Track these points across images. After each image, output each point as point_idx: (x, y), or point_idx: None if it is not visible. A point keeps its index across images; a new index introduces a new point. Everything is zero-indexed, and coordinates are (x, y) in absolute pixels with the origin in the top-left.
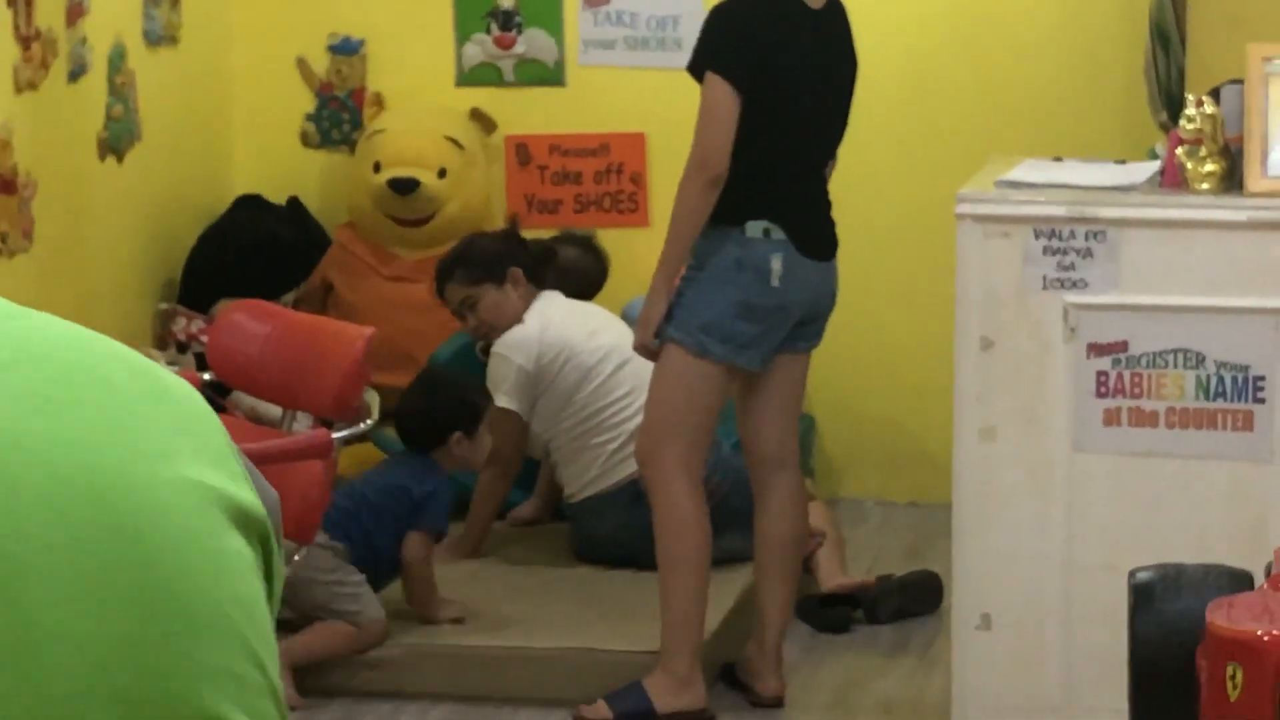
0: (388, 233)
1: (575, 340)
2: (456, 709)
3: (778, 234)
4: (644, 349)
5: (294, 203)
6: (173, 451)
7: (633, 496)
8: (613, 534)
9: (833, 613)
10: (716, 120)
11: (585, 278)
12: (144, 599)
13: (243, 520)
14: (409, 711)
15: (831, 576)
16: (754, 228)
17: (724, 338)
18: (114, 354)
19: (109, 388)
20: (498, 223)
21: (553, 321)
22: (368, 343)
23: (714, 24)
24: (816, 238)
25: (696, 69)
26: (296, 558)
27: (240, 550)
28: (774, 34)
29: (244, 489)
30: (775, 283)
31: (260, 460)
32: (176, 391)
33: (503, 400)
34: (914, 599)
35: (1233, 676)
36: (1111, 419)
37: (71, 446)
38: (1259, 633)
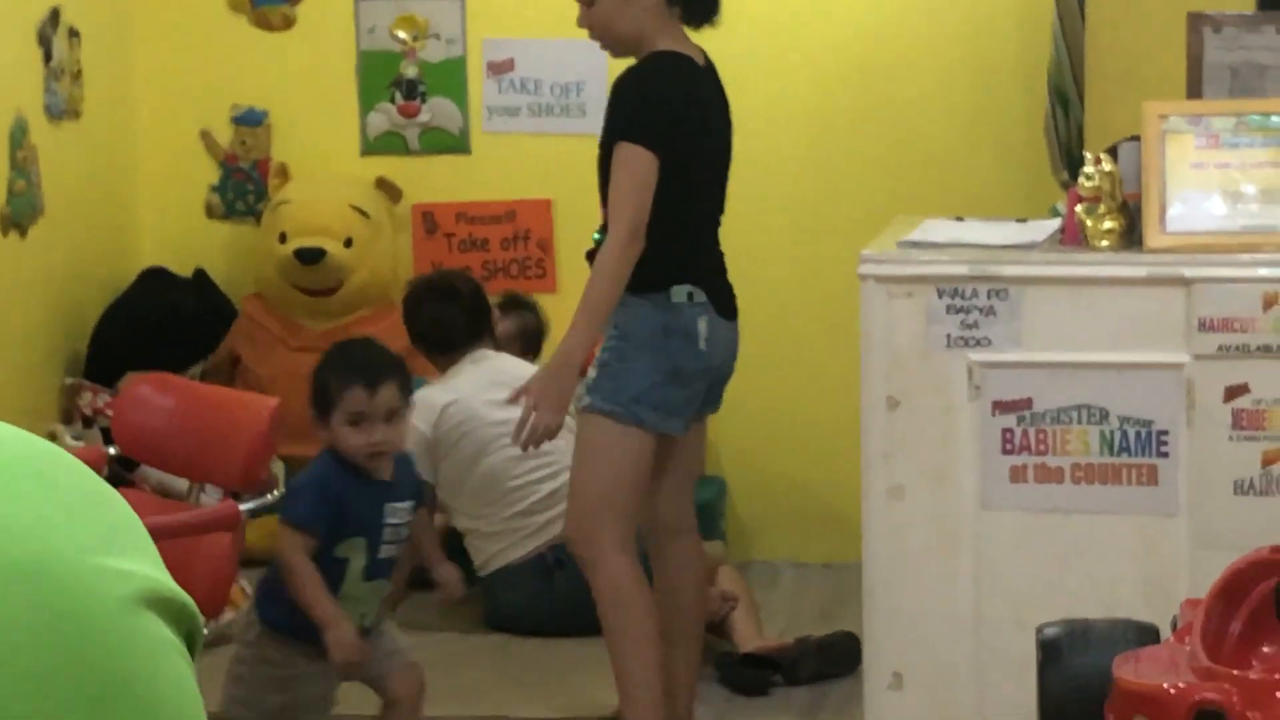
0: (295, 303)
1: (479, 413)
2: None
3: (700, 296)
4: (547, 430)
5: (200, 274)
6: (106, 543)
7: (541, 569)
8: (525, 604)
9: (751, 674)
10: (639, 188)
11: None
12: (84, 678)
13: (171, 610)
14: None
15: (749, 639)
16: (679, 292)
17: (654, 405)
18: (51, 452)
19: (46, 482)
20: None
21: (462, 394)
22: (274, 413)
23: (624, 93)
24: (728, 297)
25: (610, 140)
26: (206, 631)
27: (168, 638)
28: (682, 94)
29: (172, 582)
30: (703, 346)
31: (168, 534)
32: (108, 491)
33: None
34: (832, 660)
35: None
36: (1018, 476)
37: (9, 534)
38: (1165, 685)
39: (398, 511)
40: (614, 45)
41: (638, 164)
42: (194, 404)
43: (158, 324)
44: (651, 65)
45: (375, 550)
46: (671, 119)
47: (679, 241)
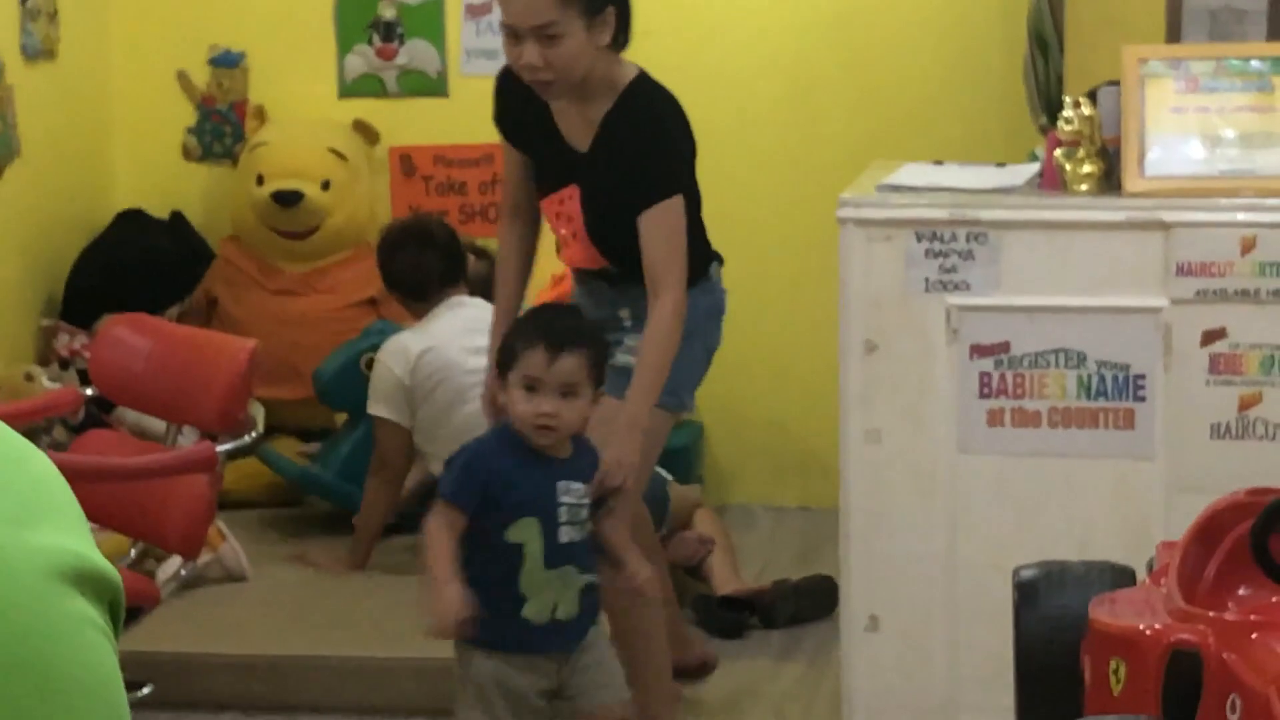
0: (272, 246)
1: (454, 360)
2: None
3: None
4: (614, 489)
5: (177, 217)
6: (23, 514)
7: None
8: None
9: (728, 617)
10: (682, 237)
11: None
12: None
13: (92, 583)
14: None
15: (726, 582)
16: (715, 269)
17: (693, 387)
18: None
19: None
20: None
21: (438, 341)
22: (251, 355)
23: (652, 148)
24: None
25: (645, 197)
26: (184, 572)
27: (87, 613)
28: (682, 112)
29: (94, 552)
30: (724, 312)
31: (145, 475)
32: (29, 455)
33: (379, 408)
34: (809, 603)
35: (1116, 671)
36: (995, 420)
37: None
38: (1141, 627)
39: (573, 491)
40: (566, 86)
41: (679, 214)
42: (171, 345)
43: (134, 266)
44: (660, 105)
45: (552, 534)
46: (691, 146)
47: (699, 224)
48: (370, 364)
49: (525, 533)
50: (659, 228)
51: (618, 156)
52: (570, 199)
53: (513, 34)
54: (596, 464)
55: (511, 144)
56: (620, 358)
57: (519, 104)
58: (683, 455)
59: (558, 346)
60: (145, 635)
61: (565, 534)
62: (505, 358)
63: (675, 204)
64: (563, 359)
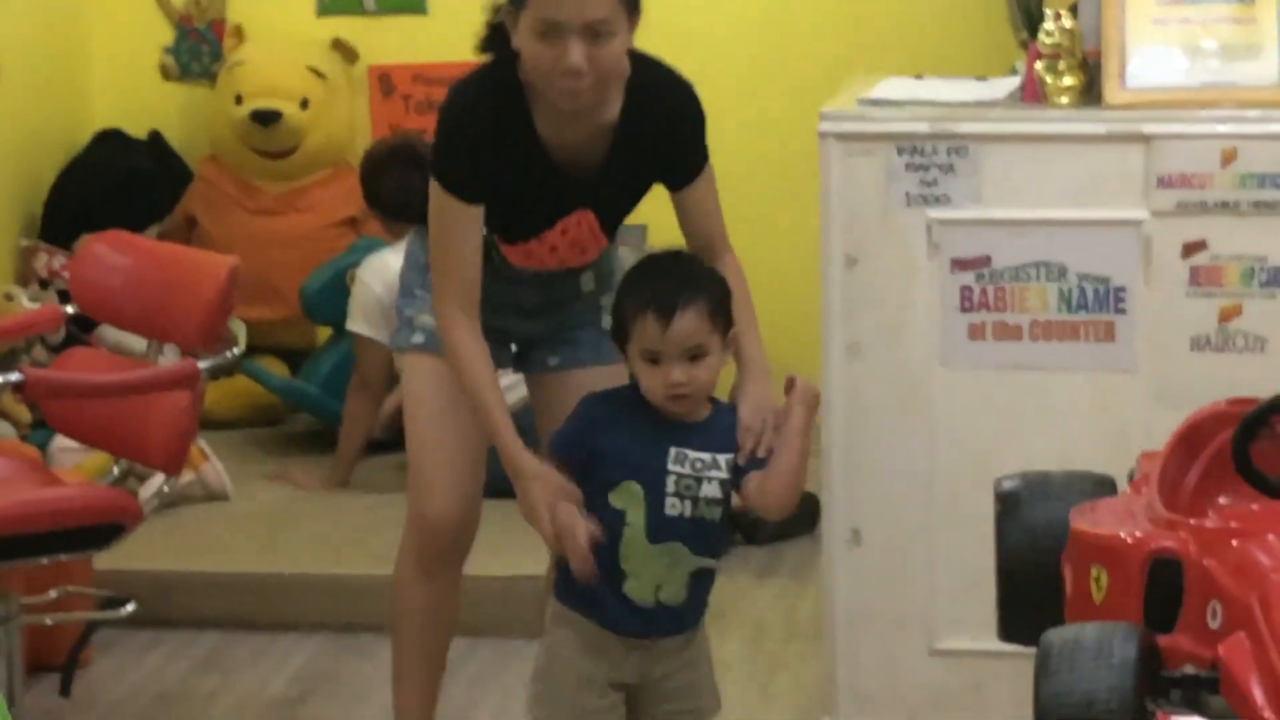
0: (251, 165)
1: None
2: (331, 638)
3: None
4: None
5: (155, 137)
6: None
7: None
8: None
9: None
10: None
11: None
12: None
13: None
14: (284, 642)
15: None
16: None
17: None
18: None
19: None
20: (360, 154)
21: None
22: (232, 271)
23: (691, 126)
24: None
25: (689, 172)
26: (166, 489)
27: None
28: None
29: None
30: None
31: (127, 391)
32: None
33: (359, 325)
34: (791, 521)
35: (1097, 579)
36: (976, 333)
37: None
38: (1122, 535)
39: (690, 461)
40: (598, 94)
41: (714, 176)
42: (152, 262)
43: (113, 187)
44: (665, 77)
45: (658, 504)
46: None
47: None
48: (352, 279)
49: (628, 499)
50: (709, 196)
51: (647, 150)
52: (578, 224)
53: (553, 32)
54: (732, 436)
55: (476, 203)
56: (607, 319)
57: (496, 152)
58: None
59: (669, 310)
60: (127, 554)
61: (672, 506)
62: (618, 330)
63: (711, 167)
64: (677, 322)
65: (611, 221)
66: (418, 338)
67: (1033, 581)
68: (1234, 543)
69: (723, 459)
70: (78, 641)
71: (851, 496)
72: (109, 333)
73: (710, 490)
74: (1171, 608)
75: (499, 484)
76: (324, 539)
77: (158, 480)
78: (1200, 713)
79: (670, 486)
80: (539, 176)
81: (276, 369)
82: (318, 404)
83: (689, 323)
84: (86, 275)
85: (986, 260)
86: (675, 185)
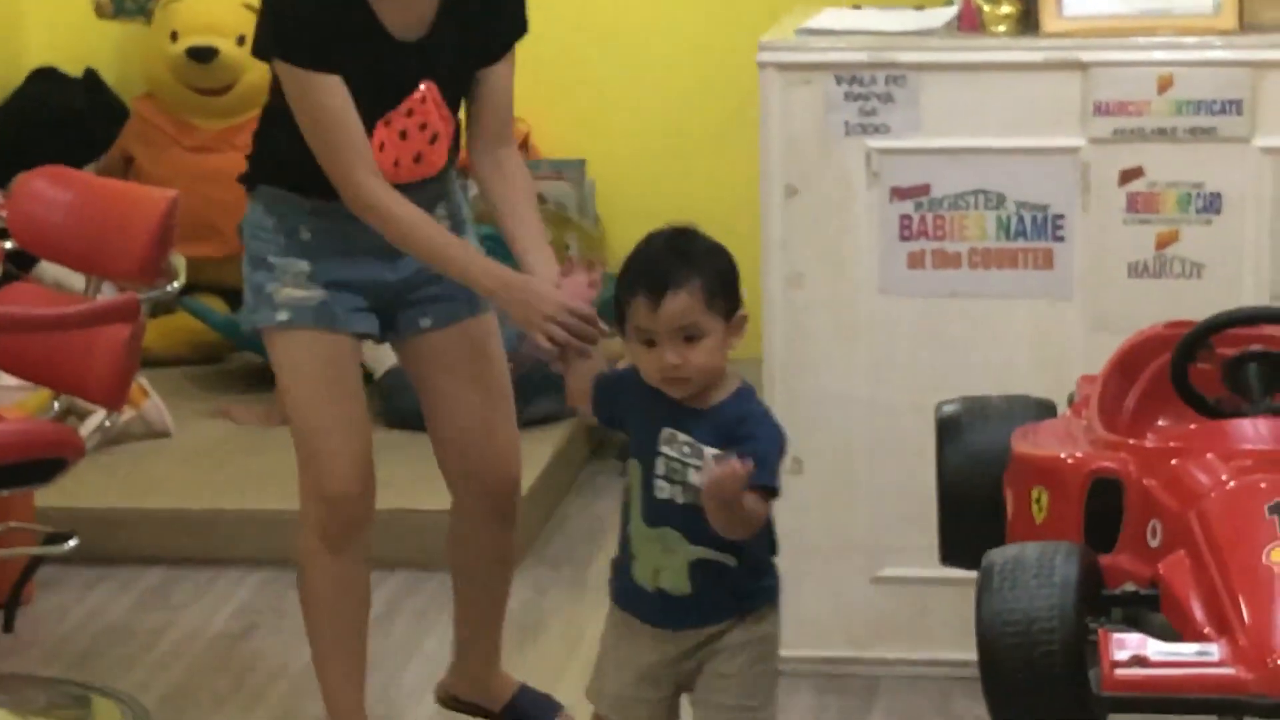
0: (187, 103)
1: None
2: (274, 574)
3: None
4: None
5: (90, 74)
6: None
7: None
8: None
9: None
10: None
11: None
12: None
13: None
14: (227, 577)
15: None
16: None
17: None
18: None
19: None
20: None
21: None
22: (171, 204)
23: None
24: None
25: (516, 37)
26: (108, 423)
27: None
28: None
29: None
30: None
31: (67, 325)
32: None
33: None
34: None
35: (1038, 500)
36: (916, 261)
37: None
38: (1063, 455)
39: (679, 444)
40: None
41: None
42: (90, 196)
43: (48, 124)
44: None
45: (649, 485)
46: None
47: None
48: None
49: (634, 477)
50: (510, 78)
51: (474, 11)
52: (427, 98)
53: None
54: (739, 423)
55: (334, 73)
56: None
57: (329, 21)
58: (604, 310)
59: (659, 289)
60: (69, 490)
61: (661, 489)
62: (618, 311)
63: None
64: (668, 302)
65: (453, 95)
66: (282, 315)
67: (973, 504)
68: (1173, 462)
69: (709, 451)
70: (20, 577)
71: (792, 425)
72: (48, 270)
73: (697, 478)
74: (1112, 527)
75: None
76: (266, 475)
77: (98, 417)
78: (1141, 630)
79: (660, 468)
80: (374, 46)
81: (217, 308)
82: (257, 340)
83: (681, 303)
84: (25, 210)
85: (925, 189)
86: (493, 56)
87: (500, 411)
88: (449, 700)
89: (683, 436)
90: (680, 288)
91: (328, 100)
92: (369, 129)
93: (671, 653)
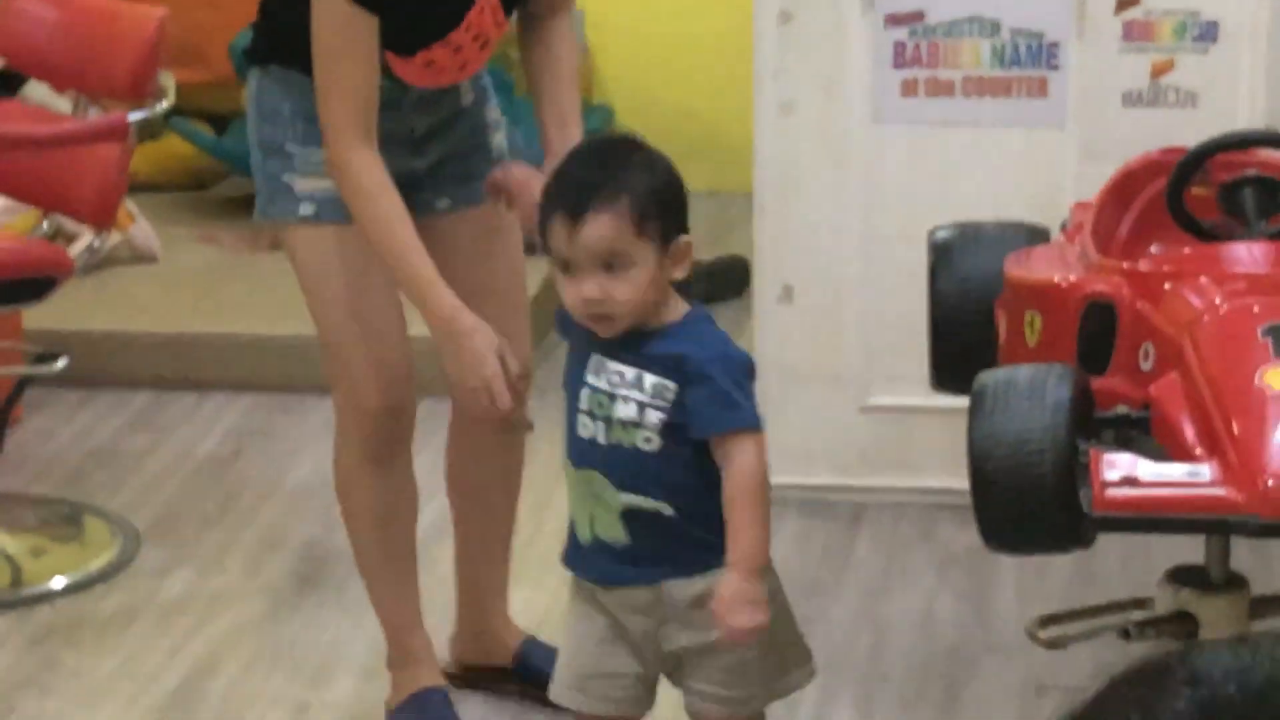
0: None
1: None
2: (261, 398)
3: None
4: None
5: None
6: None
7: None
8: None
9: None
10: None
11: None
12: None
13: None
14: (214, 401)
15: None
16: None
17: None
18: None
19: None
20: None
21: None
22: (161, 22)
23: None
24: None
25: None
26: (96, 243)
27: None
28: None
29: None
30: None
31: (56, 143)
32: None
33: None
34: (721, 283)
35: (1031, 323)
36: (909, 90)
37: None
38: (1056, 279)
39: (608, 373)
40: None
41: None
42: (79, 14)
43: None
44: None
45: (572, 422)
46: None
47: None
48: None
49: (566, 414)
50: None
51: None
52: (481, 13)
53: None
54: (680, 358)
55: (375, 11)
56: (495, 139)
57: None
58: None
59: (579, 210)
60: (57, 313)
61: (584, 426)
62: (540, 230)
63: None
64: (588, 225)
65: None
66: (306, 208)
67: (966, 329)
68: (1167, 285)
69: (650, 379)
70: (9, 397)
71: (783, 254)
72: (35, 91)
73: (625, 411)
74: (1105, 350)
75: None
76: (252, 300)
77: (86, 239)
78: (1132, 451)
79: (584, 403)
80: None
81: (204, 132)
82: (246, 161)
83: (602, 227)
84: (13, 28)
85: (920, 15)
86: None
87: (511, 300)
88: (462, 673)
89: (613, 365)
90: (603, 210)
91: (357, 41)
92: (422, 45)
93: (626, 615)
